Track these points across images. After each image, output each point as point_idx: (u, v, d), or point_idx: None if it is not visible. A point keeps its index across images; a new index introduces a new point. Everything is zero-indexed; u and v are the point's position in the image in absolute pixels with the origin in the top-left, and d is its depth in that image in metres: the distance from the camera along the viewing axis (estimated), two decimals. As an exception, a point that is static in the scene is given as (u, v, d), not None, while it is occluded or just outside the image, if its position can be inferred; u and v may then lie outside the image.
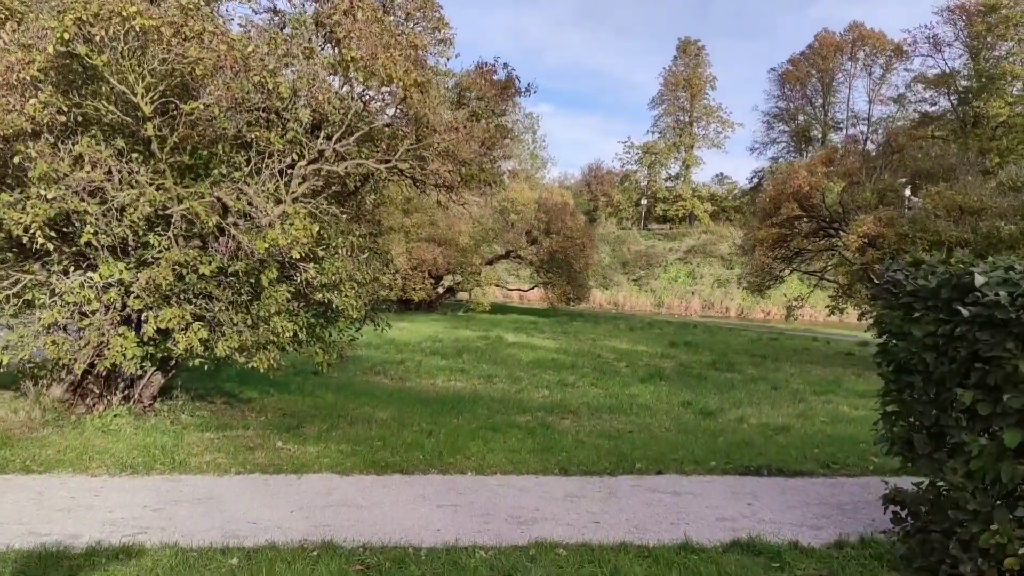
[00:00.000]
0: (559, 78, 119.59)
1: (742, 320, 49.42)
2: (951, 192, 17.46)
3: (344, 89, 7.90)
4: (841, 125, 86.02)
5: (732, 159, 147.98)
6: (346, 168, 8.08)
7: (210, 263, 7.43)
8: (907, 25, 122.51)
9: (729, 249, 64.37)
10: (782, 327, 36.41)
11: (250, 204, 7.17)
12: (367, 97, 8.22)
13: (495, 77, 9.65)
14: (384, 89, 7.97)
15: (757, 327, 35.38)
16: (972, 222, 17.02)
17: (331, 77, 7.82)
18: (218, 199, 7.07)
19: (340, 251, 8.00)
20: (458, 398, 11.93)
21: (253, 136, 7.45)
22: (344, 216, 8.78)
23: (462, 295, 35.38)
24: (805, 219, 20.57)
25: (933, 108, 73.71)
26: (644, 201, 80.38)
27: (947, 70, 73.21)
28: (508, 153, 10.84)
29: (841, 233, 21.06)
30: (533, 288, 38.00)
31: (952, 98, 73.65)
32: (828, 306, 19.23)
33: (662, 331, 28.48)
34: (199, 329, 7.75)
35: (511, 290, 40.73)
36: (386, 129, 8.51)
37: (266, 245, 7.00)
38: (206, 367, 8.75)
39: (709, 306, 57.62)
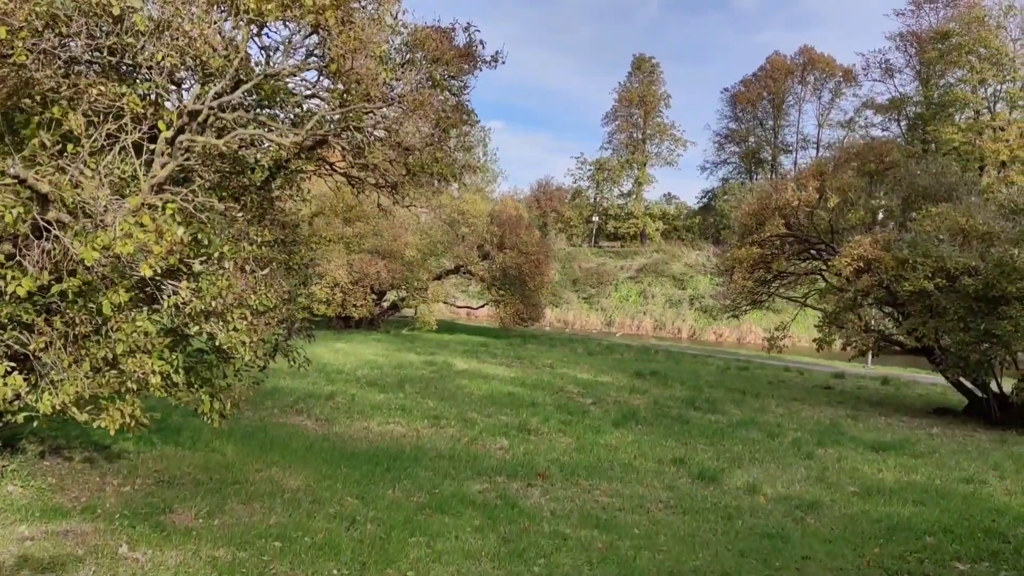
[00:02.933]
0: (511, 94, 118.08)
1: (695, 343, 47.78)
2: (955, 213, 15.65)
3: (231, 26, 5.46)
4: (791, 148, 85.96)
5: (681, 180, 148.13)
6: (231, 143, 5.62)
7: (21, 280, 4.90)
8: (851, 54, 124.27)
9: (681, 269, 63.12)
10: (744, 353, 34.69)
11: (78, 189, 4.66)
12: (268, 40, 5.81)
13: (454, 42, 7.35)
14: (289, 28, 5.55)
15: (720, 353, 33.56)
16: (979, 248, 15.22)
17: (220, 15, 5.39)
18: (19, 180, 4.56)
19: (227, 265, 5.53)
20: (396, 452, 9.48)
21: (96, 91, 4.97)
22: (242, 216, 6.30)
23: (407, 312, 32.79)
24: (790, 239, 18.67)
25: (884, 133, 73.79)
26: (595, 218, 78.78)
27: (898, 95, 73.63)
28: (468, 143, 8.49)
29: (826, 256, 19.18)
30: (484, 306, 35.59)
31: (902, 124, 73.92)
32: (816, 339, 17.23)
33: (622, 357, 26.32)
34: (6, 374, 5.22)
35: (459, 307, 38.24)
36: (298, 90, 6.07)
37: (96, 254, 4.52)
38: (35, 423, 6.18)
39: (661, 327, 56.10)
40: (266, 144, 6.72)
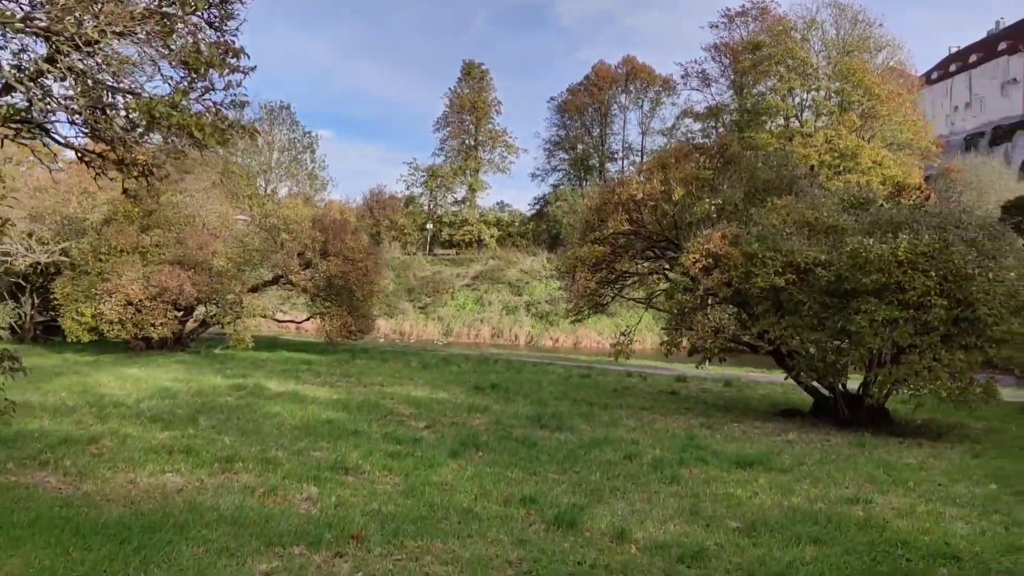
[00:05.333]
0: (343, 105, 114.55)
1: (533, 349, 47.07)
2: (801, 206, 14.97)
3: None
4: (617, 156, 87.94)
5: (514, 188, 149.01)
6: None
7: None
8: (671, 67, 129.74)
9: (517, 275, 62.50)
10: (584, 358, 33.84)
11: None
12: None
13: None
14: None
15: (559, 359, 32.47)
16: (827, 241, 14.56)
17: None
18: None
19: None
20: (160, 518, 7.08)
21: None
22: None
23: (229, 329, 29.34)
24: (633, 236, 17.51)
25: (705, 140, 76.65)
26: (429, 225, 77.01)
27: (715, 104, 76.92)
28: (243, 99, 6.25)
29: (669, 253, 18.20)
30: (308, 319, 32.64)
31: (721, 131, 76.98)
32: (664, 343, 16.09)
33: (460, 369, 24.50)
34: None
35: (283, 322, 34.94)
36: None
37: None
38: None
39: (498, 334, 55.10)
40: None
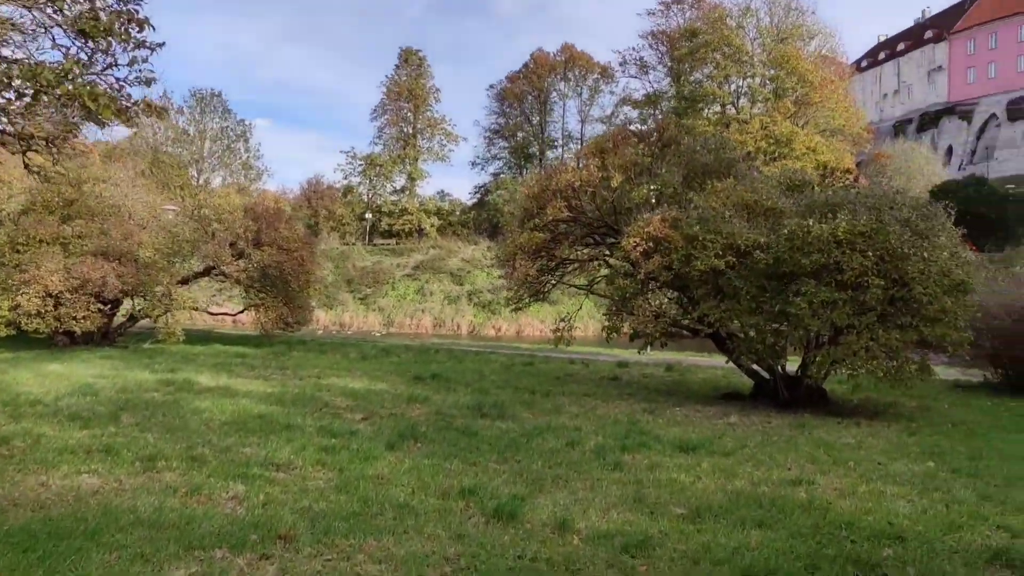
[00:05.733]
0: (276, 93, 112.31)
1: (476, 338, 46.74)
2: (741, 189, 14.94)
3: None
4: (556, 144, 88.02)
5: (454, 177, 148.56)
6: None
7: None
8: (609, 54, 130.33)
9: (458, 264, 62.06)
10: (526, 347, 33.65)
11: None
12: None
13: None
14: None
15: (502, 348, 32.20)
16: (766, 223, 14.57)
17: None
18: None
19: None
20: (71, 523, 6.58)
21: None
22: None
23: (158, 323, 28.23)
24: (573, 223, 17.32)
25: (644, 127, 77.14)
26: (368, 215, 75.91)
27: (653, 91, 77.42)
28: (149, 75, 5.73)
29: (609, 239, 18.06)
30: (243, 311, 31.70)
31: (659, 117, 77.31)
32: (605, 327, 15.96)
33: (400, 359, 24.05)
34: None
35: (217, 314, 33.84)
36: None
37: None
38: None
39: (440, 324, 54.64)
40: None
